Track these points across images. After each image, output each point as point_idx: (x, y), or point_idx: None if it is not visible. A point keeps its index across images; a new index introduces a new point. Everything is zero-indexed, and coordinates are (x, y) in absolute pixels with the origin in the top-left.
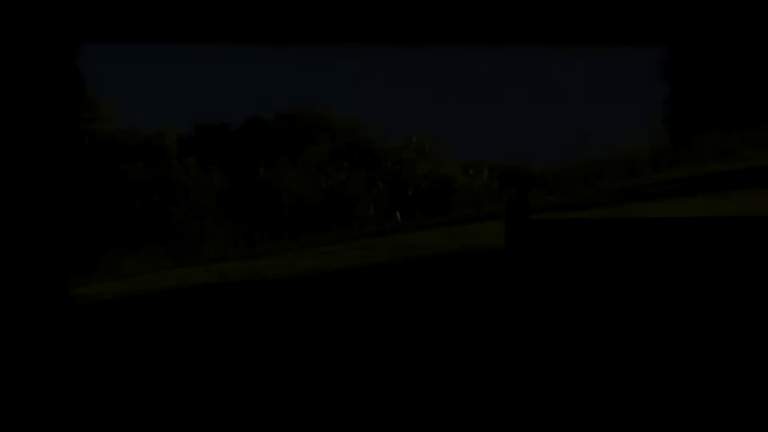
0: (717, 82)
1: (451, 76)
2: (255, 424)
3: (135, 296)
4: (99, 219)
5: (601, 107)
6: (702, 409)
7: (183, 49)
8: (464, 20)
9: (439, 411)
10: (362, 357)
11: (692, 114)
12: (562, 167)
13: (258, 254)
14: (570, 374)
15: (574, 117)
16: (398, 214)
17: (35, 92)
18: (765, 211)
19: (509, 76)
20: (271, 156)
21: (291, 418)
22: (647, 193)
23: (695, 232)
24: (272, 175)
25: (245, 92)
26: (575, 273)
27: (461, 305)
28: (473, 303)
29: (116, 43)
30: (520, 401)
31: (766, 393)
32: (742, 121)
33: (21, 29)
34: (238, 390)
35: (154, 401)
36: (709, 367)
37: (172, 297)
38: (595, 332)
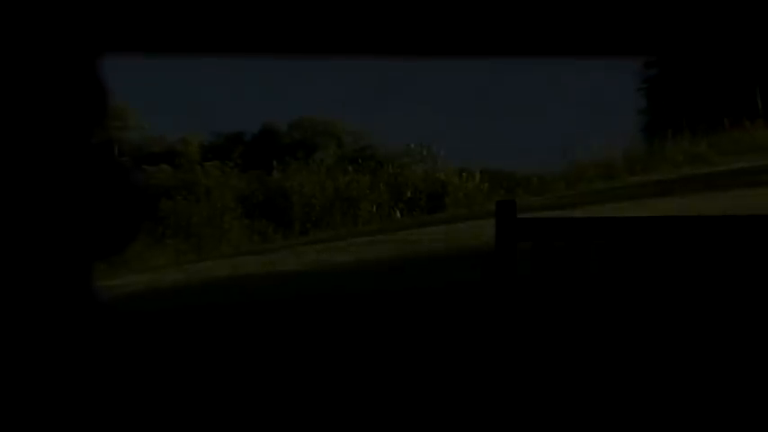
0: (687, 94)
1: (447, 88)
2: (266, 405)
3: (159, 288)
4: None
5: (582, 116)
6: (686, 403)
7: (204, 62)
8: (458, 34)
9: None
10: (364, 343)
11: (664, 123)
12: (546, 171)
13: (271, 249)
14: (553, 357)
15: (557, 125)
16: (398, 213)
17: (61, 101)
18: (731, 210)
19: (499, 87)
20: (283, 160)
21: (300, 397)
22: (623, 194)
23: (666, 229)
24: (285, 178)
25: (260, 102)
26: (557, 266)
27: (457, 297)
28: (467, 294)
29: (139, 56)
30: (510, 386)
31: (748, 387)
32: (709, 130)
33: (45, 43)
34: (250, 372)
35: (174, 386)
36: (687, 355)
37: (193, 289)
38: (576, 318)
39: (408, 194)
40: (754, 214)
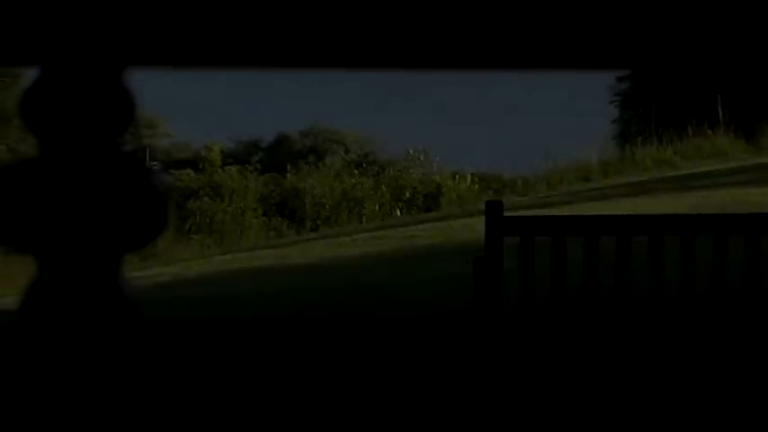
0: (655, 105)
1: (442, 99)
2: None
3: (186, 278)
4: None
5: (561, 124)
6: (642, 398)
7: (225, 76)
8: (453, 50)
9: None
10: (367, 325)
11: (634, 132)
12: (529, 174)
13: (285, 243)
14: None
15: (539, 133)
16: (398, 212)
17: (92, 110)
18: (695, 209)
19: (488, 99)
20: (296, 165)
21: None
22: (598, 195)
23: (636, 226)
24: (298, 181)
25: (275, 112)
26: (539, 257)
27: (450, 285)
28: (459, 283)
29: (164, 70)
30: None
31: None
32: (674, 137)
33: (74, 58)
34: (264, 349)
35: (197, 366)
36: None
37: (215, 279)
38: (555, 301)
39: (407, 195)
40: (716, 213)
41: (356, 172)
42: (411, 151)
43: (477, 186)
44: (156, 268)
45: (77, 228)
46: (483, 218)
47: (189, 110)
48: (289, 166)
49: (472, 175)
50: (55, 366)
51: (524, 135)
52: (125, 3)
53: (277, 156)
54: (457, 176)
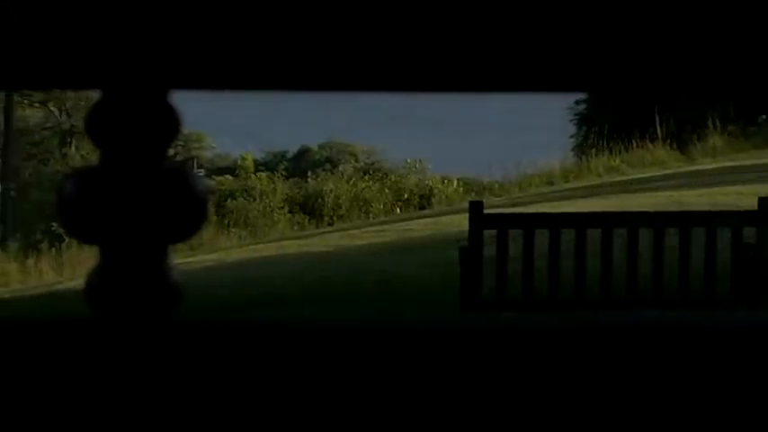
0: (607, 123)
1: (435, 117)
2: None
3: (225, 263)
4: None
5: (530, 139)
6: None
7: (258, 98)
8: (448, 75)
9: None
10: (371, 301)
11: (589, 145)
12: (504, 179)
13: (306, 235)
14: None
15: (512, 146)
16: (398, 210)
17: (143, 126)
18: (638, 207)
19: (472, 117)
20: (315, 172)
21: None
22: (560, 196)
23: (591, 221)
24: (317, 185)
25: (299, 129)
26: (512, 245)
27: (439, 269)
28: (447, 266)
29: (204, 92)
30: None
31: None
32: (622, 149)
33: (129, 83)
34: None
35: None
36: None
37: (249, 264)
38: (525, 281)
39: (405, 196)
40: (655, 211)
41: (365, 178)
42: (409, 160)
43: (461, 189)
44: (202, 255)
45: (133, 222)
46: (467, 215)
47: (229, 127)
48: (309, 173)
49: (458, 180)
50: (114, 334)
51: (500, 148)
52: (170, 40)
53: (300, 164)
54: (445, 181)
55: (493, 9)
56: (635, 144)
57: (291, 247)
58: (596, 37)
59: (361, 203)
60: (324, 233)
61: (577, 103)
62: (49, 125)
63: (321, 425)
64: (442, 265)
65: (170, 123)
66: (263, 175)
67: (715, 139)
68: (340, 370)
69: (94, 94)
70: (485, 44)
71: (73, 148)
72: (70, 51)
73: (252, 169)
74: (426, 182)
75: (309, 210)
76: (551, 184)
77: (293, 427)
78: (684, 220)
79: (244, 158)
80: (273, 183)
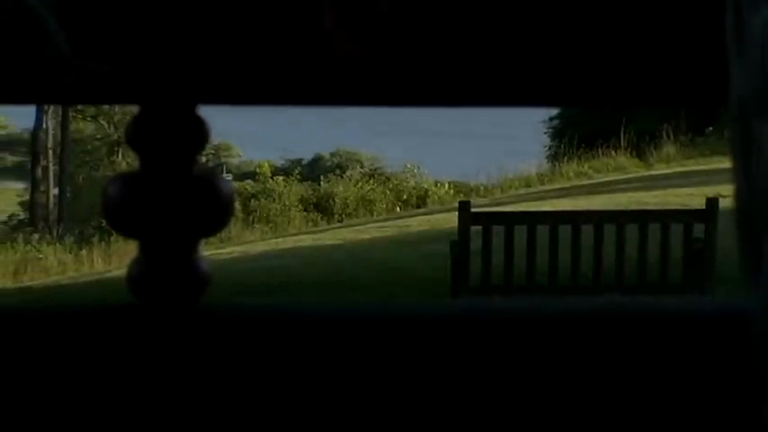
0: (577, 134)
1: (430, 127)
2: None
3: (250, 254)
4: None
5: (510, 147)
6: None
7: (278, 111)
8: (447, 87)
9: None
10: (374, 287)
11: (561, 153)
12: (488, 182)
13: (319, 231)
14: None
15: (495, 153)
16: (398, 209)
17: (176, 136)
18: (603, 206)
19: (462, 129)
20: (327, 176)
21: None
22: (536, 197)
23: (562, 218)
24: (328, 187)
25: (312, 138)
26: (495, 239)
27: (433, 260)
28: (439, 258)
29: (231, 105)
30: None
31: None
32: (589, 156)
33: (163, 98)
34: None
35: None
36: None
37: (271, 254)
38: (506, 270)
39: (404, 197)
40: (618, 209)
41: (370, 181)
42: (407, 166)
43: (452, 191)
44: (230, 248)
45: (168, 219)
46: (457, 213)
47: (254, 137)
48: (322, 177)
49: (449, 183)
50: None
51: (485, 155)
52: (199, 62)
53: (313, 169)
54: (438, 184)
55: (483, 31)
56: (600, 152)
57: (306, 240)
58: (568, 55)
59: (366, 203)
60: (334, 229)
61: (551, 119)
62: (99, 136)
63: (339, 410)
64: (436, 257)
65: (199, 134)
66: (280, 178)
67: (669, 148)
68: (358, 357)
69: (134, 109)
70: (476, 63)
71: (120, 156)
72: (116, 72)
73: (269, 174)
74: (422, 184)
75: (322, 209)
76: (529, 186)
77: (312, 408)
78: (642, 217)
79: (261, 166)
80: (290, 186)
